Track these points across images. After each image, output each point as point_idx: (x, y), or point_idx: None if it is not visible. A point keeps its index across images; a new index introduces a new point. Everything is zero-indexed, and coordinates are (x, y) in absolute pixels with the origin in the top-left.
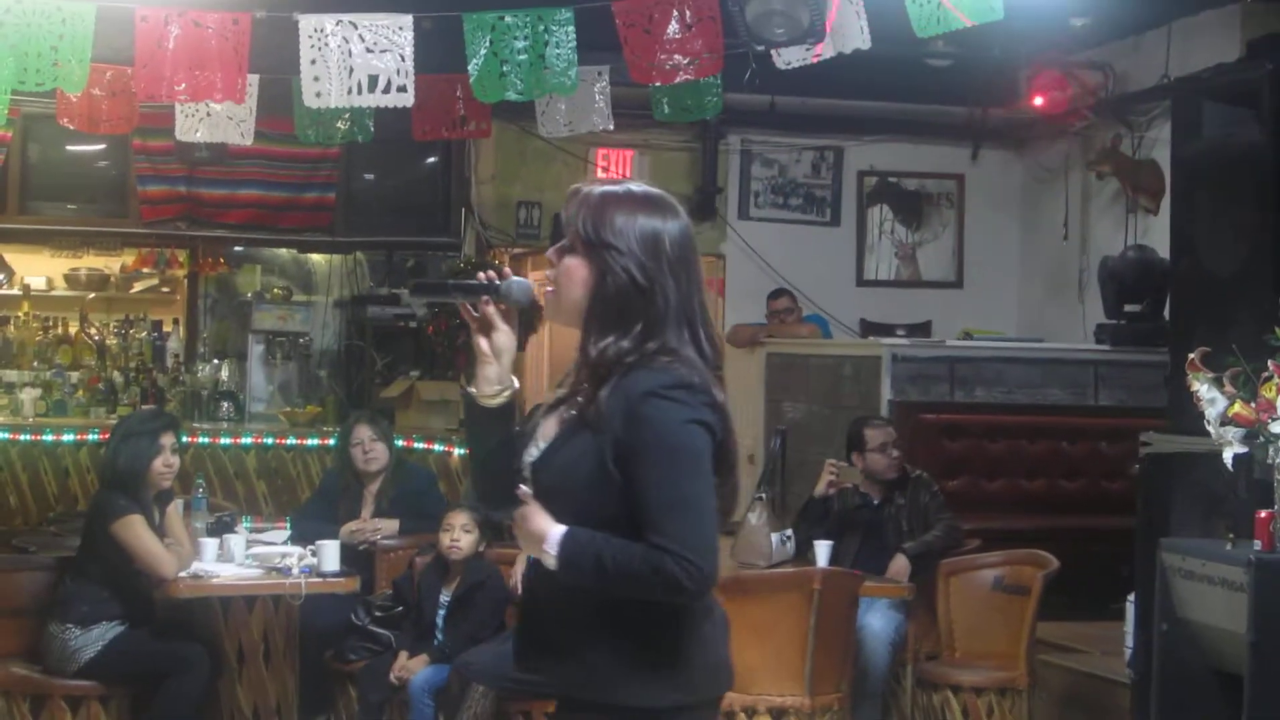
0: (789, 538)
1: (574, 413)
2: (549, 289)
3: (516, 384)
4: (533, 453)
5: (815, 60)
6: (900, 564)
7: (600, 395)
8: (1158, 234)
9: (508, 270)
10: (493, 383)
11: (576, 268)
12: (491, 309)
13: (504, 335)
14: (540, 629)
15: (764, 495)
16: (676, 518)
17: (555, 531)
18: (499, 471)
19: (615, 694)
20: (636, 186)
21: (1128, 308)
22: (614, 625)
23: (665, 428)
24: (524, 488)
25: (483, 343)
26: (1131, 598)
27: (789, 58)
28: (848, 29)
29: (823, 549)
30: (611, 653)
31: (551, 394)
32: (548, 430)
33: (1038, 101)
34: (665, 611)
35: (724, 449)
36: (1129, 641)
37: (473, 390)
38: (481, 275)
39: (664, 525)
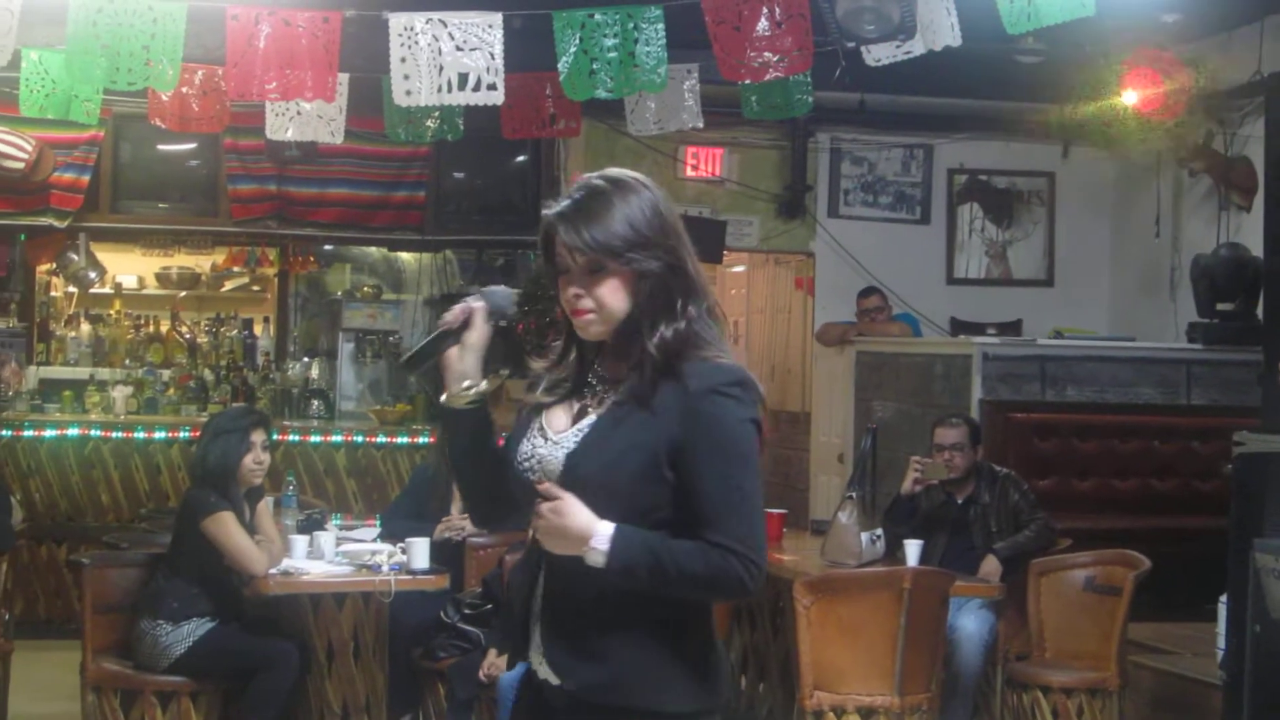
0: (879, 537)
1: (617, 403)
2: (589, 316)
3: (484, 385)
4: (540, 442)
5: (905, 57)
6: (992, 564)
7: (663, 386)
8: (1250, 231)
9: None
10: (461, 381)
11: (611, 284)
12: (478, 317)
13: (476, 333)
14: (559, 630)
15: (854, 494)
16: (737, 516)
17: (604, 528)
18: (486, 481)
19: (643, 699)
20: (596, 180)
21: (1220, 306)
22: (646, 627)
23: (726, 425)
24: (550, 484)
25: (461, 353)
26: (1223, 599)
27: (879, 55)
28: (938, 26)
29: (913, 548)
30: (642, 656)
31: (542, 393)
32: (556, 423)
33: (1130, 98)
34: (695, 613)
35: (762, 443)
36: (1221, 643)
37: (452, 393)
38: (456, 309)
39: (727, 524)
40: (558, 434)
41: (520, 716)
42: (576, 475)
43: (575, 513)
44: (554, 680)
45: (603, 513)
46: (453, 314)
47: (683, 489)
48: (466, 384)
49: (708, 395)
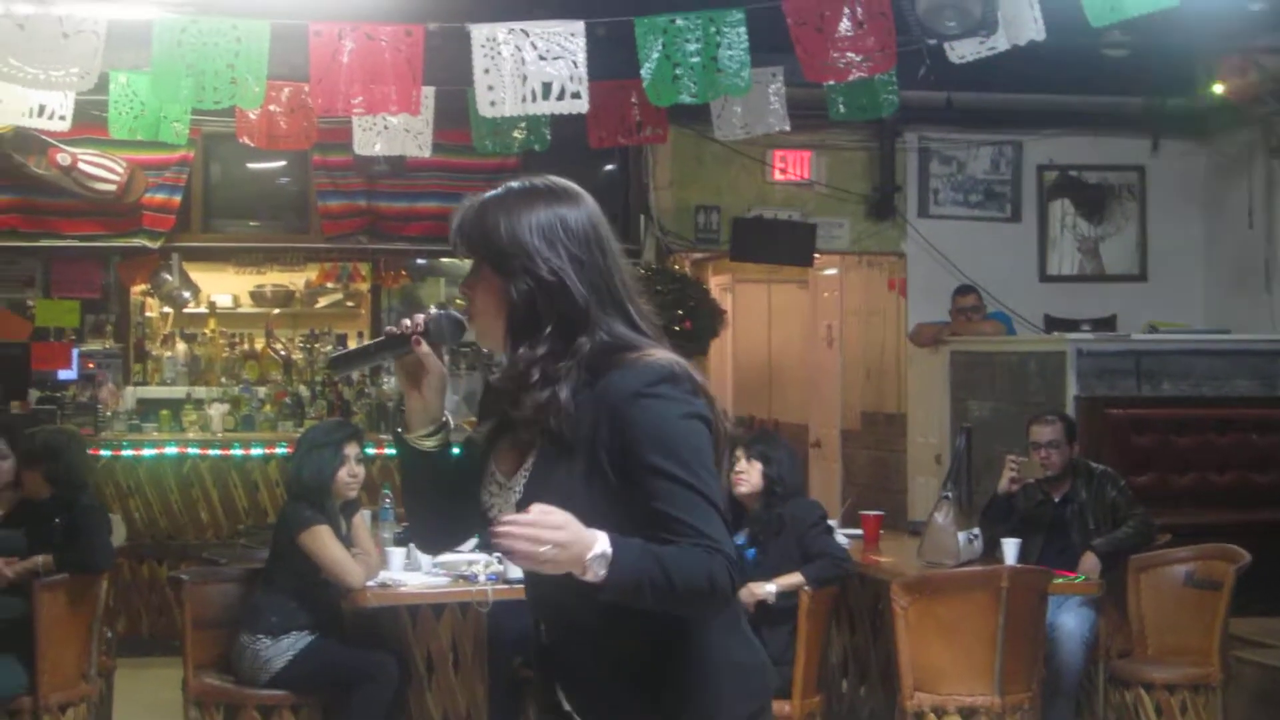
0: (976, 536)
1: (542, 435)
2: (471, 320)
3: (451, 421)
4: (494, 491)
5: (989, 53)
6: (1091, 561)
7: (560, 403)
8: None
9: (431, 310)
10: (425, 421)
11: (485, 288)
12: (424, 349)
13: (434, 375)
14: (570, 679)
15: (950, 494)
16: (702, 517)
17: (601, 537)
18: (439, 514)
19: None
20: (519, 182)
21: None
22: (651, 655)
23: (660, 427)
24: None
25: (412, 387)
26: None
27: (962, 51)
28: (1021, 20)
29: (1010, 547)
30: (661, 681)
31: (481, 428)
32: (504, 465)
33: (1219, 89)
34: (700, 628)
35: (717, 434)
36: None
37: (404, 433)
38: (405, 322)
39: (684, 524)
40: (508, 479)
41: None
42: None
43: (567, 526)
44: None
45: None
46: (401, 324)
47: (639, 504)
48: (432, 427)
49: (632, 401)
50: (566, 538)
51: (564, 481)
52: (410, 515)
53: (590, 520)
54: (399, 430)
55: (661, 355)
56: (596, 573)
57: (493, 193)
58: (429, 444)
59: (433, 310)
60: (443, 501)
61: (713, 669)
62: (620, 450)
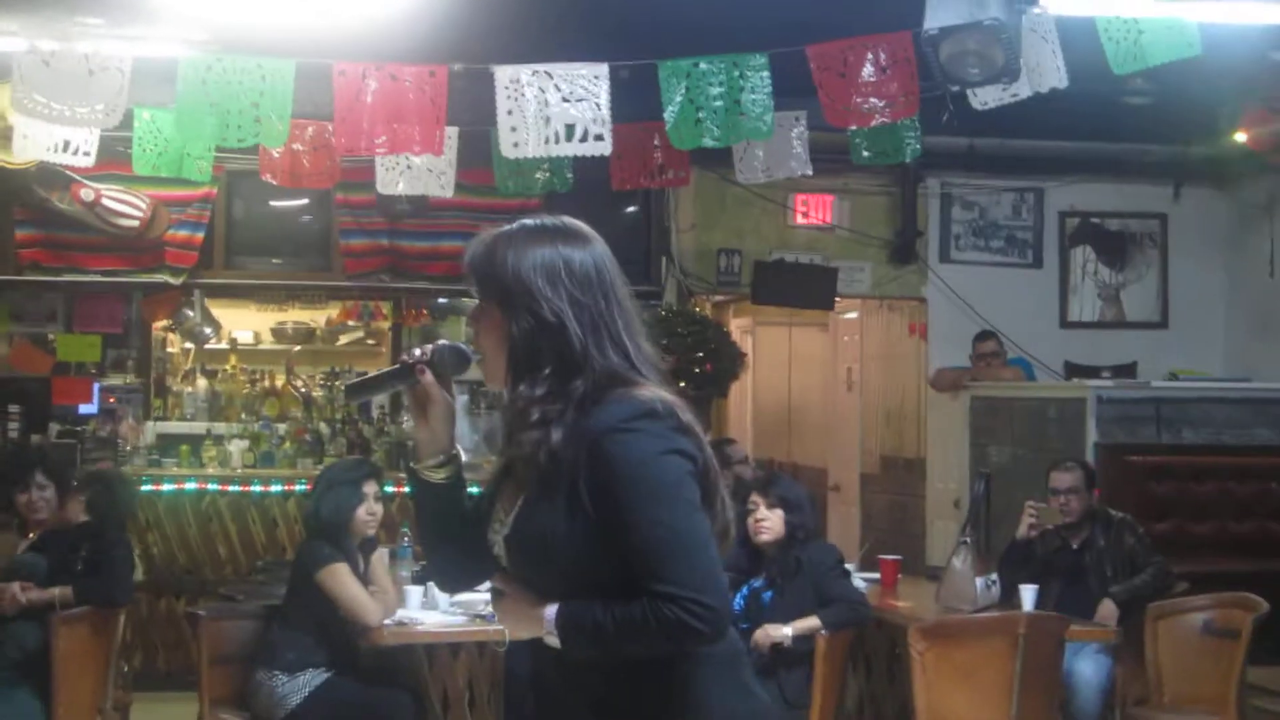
0: (994, 582)
1: (534, 473)
2: (478, 356)
3: (462, 455)
4: (496, 529)
5: (1012, 100)
6: (1108, 609)
7: (551, 443)
8: None
9: (438, 341)
10: (433, 451)
11: (488, 324)
12: (429, 379)
13: (442, 406)
14: (554, 711)
15: (968, 539)
16: (670, 558)
17: (549, 610)
18: (453, 551)
19: None
20: (533, 220)
21: None
22: (632, 696)
23: (635, 463)
24: (497, 577)
25: (420, 417)
26: None
27: (985, 98)
28: (1044, 68)
29: (1028, 593)
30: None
31: (494, 462)
32: (506, 503)
33: (1241, 138)
34: (685, 669)
35: (705, 472)
36: None
37: (416, 465)
38: (415, 351)
39: (659, 569)
40: (507, 516)
41: None
42: (517, 560)
43: (520, 602)
44: None
45: (552, 588)
46: (413, 353)
47: (614, 544)
48: (442, 458)
49: (608, 436)
50: (514, 616)
51: (547, 519)
52: (425, 552)
53: (570, 557)
54: (409, 463)
55: (647, 392)
56: (552, 643)
57: (505, 229)
58: (438, 476)
59: (439, 342)
60: (458, 540)
61: (705, 716)
62: (598, 486)
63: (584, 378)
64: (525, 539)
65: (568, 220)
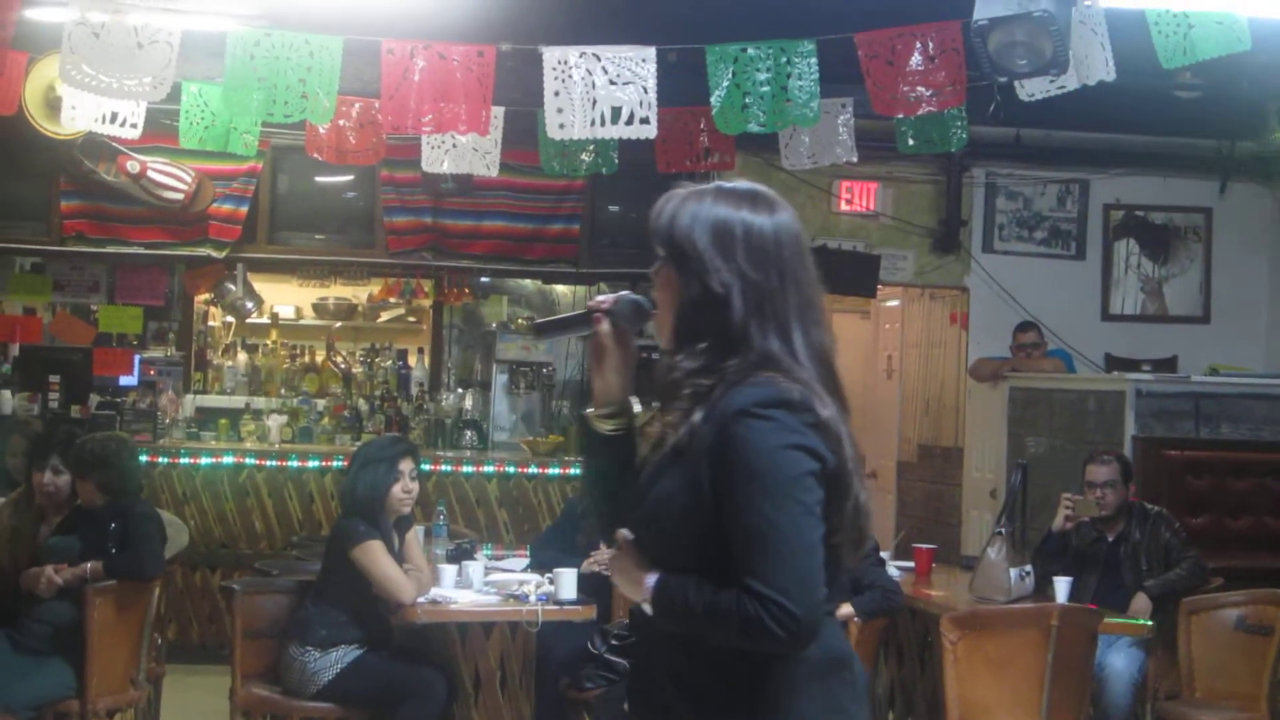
0: (1028, 573)
1: (667, 442)
2: (655, 311)
3: (638, 406)
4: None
5: (1059, 92)
6: (1142, 603)
7: (692, 420)
8: None
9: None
10: (604, 400)
11: (663, 282)
12: (605, 328)
13: (617, 356)
14: (644, 679)
15: (1004, 530)
16: (765, 554)
17: (650, 579)
18: (621, 506)
19: None
20: (727, 183)
21: None
22: (711, 679)
23: (756, 450)
24: (624, 531)
25: (596, 365)
26: None
27: (1032, 89)
28: (1092, 60)
29: (1062, 585)
30: (709, 709)
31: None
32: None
33: None
34: (769, 667)
35: (837, 474)
36: None
37: (589, 413)
38: (599, 299)
39: (753, 563)
40: (643, 474)
41: None
42: (636, 520)
43: (629, 563)
44: None
45: (664, 557)
46: (599, 299)
47: (725, 521)
48: (613, 409)
49: (737, 418)
50: (620, 574)
51: (669, 485)
52: (596, 510)
53: (681, 528)
54: (583, 413)
55: (790, 381)
56: (646, 609)
57: (696, 187)
58: (606, 426)
59: (624, 292)
60: (627, 497)
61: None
62: (720, 466)
63: (740, 356)
64: (644, 504)
65: (761, 188)
